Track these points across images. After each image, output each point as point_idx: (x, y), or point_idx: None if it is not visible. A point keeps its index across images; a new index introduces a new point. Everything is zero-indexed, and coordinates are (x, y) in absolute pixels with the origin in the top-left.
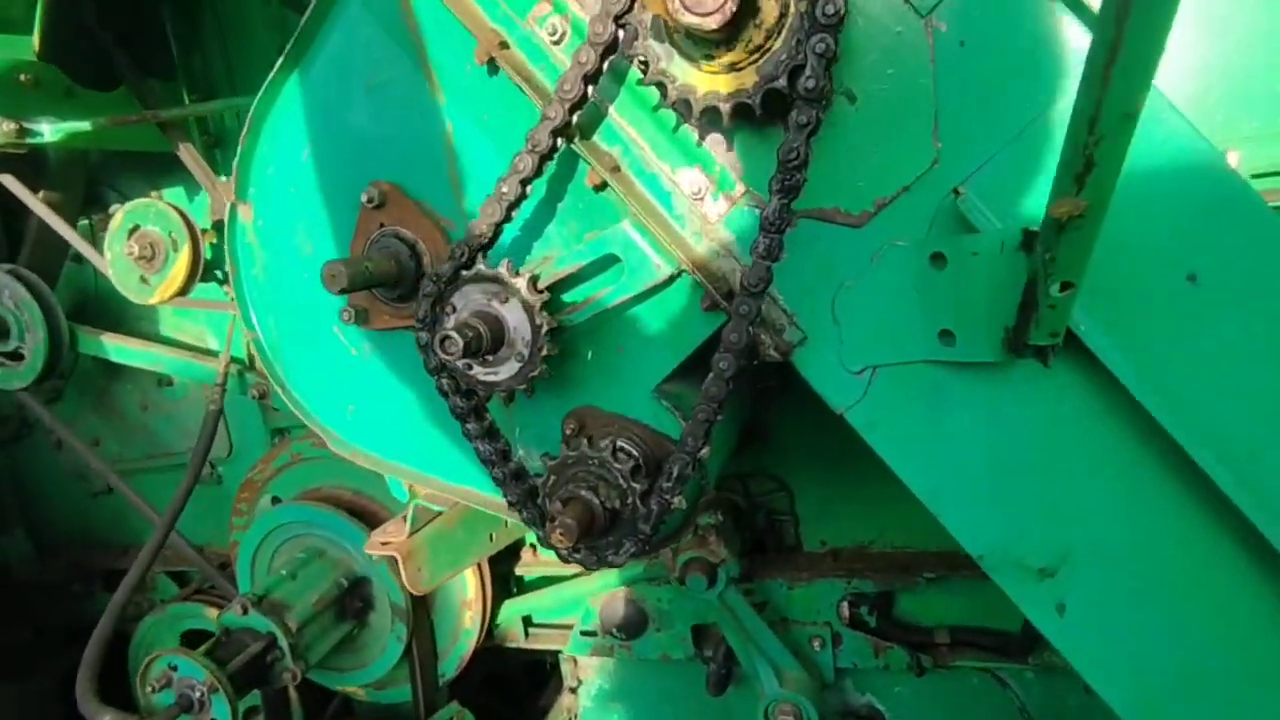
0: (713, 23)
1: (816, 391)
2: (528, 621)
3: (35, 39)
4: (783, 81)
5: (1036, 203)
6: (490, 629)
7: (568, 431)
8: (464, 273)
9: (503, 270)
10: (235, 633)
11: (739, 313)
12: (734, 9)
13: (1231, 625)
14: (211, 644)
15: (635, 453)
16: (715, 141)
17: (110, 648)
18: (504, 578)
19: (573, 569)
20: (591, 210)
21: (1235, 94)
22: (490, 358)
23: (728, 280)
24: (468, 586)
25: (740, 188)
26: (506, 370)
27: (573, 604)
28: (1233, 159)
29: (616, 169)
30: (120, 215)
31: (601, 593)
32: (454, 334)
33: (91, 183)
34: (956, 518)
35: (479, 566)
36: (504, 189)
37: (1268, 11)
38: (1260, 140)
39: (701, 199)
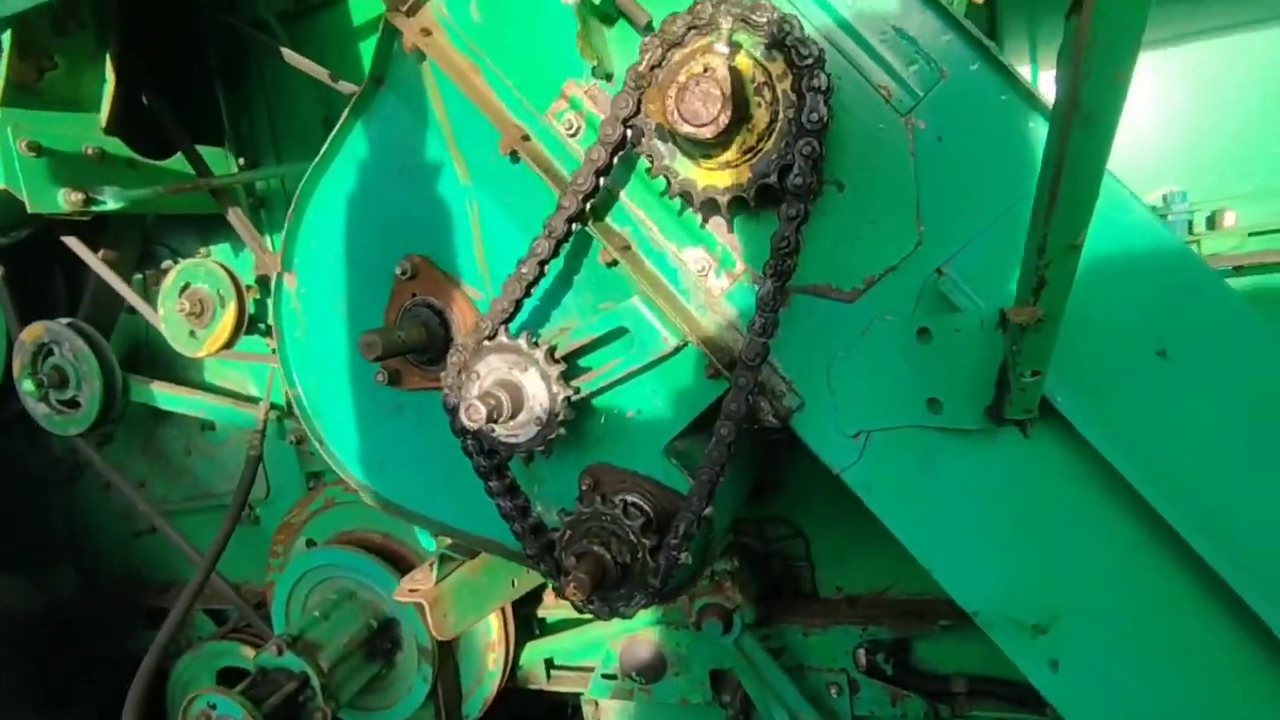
0: (707, 133)
1: (815, 453)
2: (549, 664)
3: (103, 116)
4: (774, 178)
5: (1013, 283)
6: (513, 670)
7: (583, 487)
8: (487, 343)
9: (522, 342)
10: (270, 672)
11: (738, 384)
12: (726, 121)
13: (1214, 679)
14: (248, 683)
15: (646, 508)
16: (717, 224)
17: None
18: (526, 620)
19: None
20: (605, 284)
21: (1229, 156)
22: (511, 422)
23: (730, 350)
24: (491, 629)
25: (741, 266)
26: (526, 433)
27: (593, 647)
28: (1229, 218)
29: (627, 248)
30: (173, 275)
31: (621, 636)
32: (477, 402)
33: (146, 241)
34: (950, 575)
35: (502, 609)
36: (523, 269)
37: (1258, 76)
38: (1255, 199)
39: (706, 275)
